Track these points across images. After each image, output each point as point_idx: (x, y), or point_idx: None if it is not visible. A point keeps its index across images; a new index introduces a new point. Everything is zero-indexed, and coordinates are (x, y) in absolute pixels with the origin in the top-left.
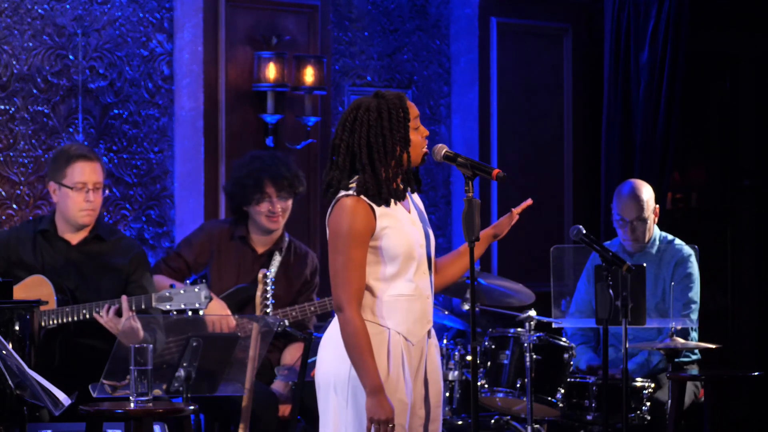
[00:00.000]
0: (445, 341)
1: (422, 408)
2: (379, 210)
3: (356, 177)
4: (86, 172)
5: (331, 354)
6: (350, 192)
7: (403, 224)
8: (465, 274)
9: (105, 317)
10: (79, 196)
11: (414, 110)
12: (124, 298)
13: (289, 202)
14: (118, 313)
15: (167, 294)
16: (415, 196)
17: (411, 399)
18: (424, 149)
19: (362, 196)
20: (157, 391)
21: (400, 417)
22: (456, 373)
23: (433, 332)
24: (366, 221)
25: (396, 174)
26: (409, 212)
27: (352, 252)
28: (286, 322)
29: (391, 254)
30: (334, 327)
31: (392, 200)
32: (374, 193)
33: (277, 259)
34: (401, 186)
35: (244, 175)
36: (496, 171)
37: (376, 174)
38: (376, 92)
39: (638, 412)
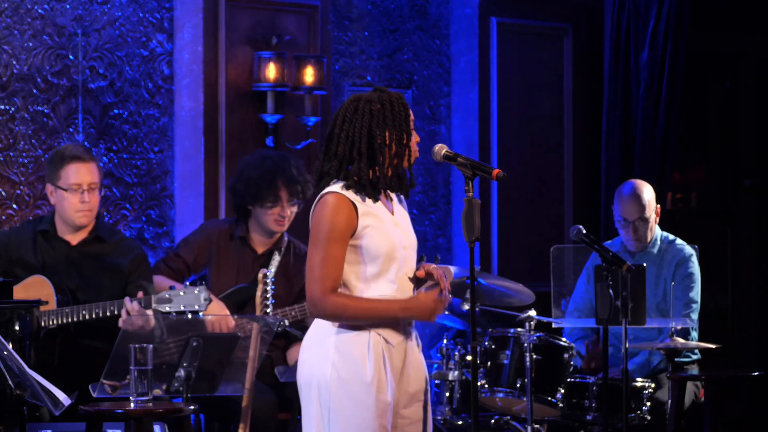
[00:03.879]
0: (445, 341)
1: (408, 408)
2: (362, 208)
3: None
4: (81, 173)
5: (313, 355)
6: (335, 188)
7: (385, 224)
8: (464, 274)
9: (132, 305)
10: (74, 198)
11: (411, 113)
12: (140, 295)
13: (296, 206)
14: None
15: (167, 296)
16: (401, 198)
17: (394, 399)
18: (416, 154)
19: (350, 191)
20: (157, 391)
21: (382, 417)
22: (456, 373)
23: (415, 333)
24: (348, 219)
25: (392, 166)
26: (393, 214)
27: (331, 248)
28: (286, 322)
29: (372, 254)
30: (314, 329)
31: (377, 199)
32: (367, 183)
33: (276, 259)
34: (394, 181)
35: (259, 175)
36: (496, 171)
37: (374, 163)
38: (376, 87)
39: (638, 412)
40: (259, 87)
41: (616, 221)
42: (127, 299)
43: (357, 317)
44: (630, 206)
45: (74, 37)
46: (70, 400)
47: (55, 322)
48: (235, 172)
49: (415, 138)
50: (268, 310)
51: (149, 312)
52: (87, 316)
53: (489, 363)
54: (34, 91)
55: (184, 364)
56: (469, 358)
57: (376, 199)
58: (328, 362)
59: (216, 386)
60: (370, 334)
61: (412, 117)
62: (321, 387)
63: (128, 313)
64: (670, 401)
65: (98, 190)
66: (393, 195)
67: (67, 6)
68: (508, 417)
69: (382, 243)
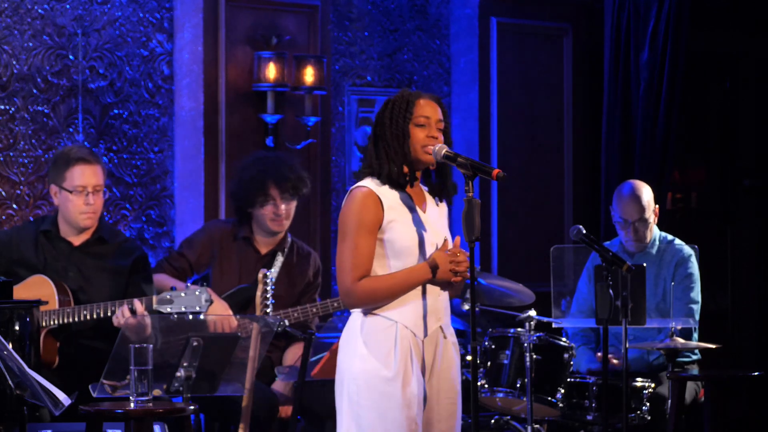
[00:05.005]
0: None
1: (439, 404)
2: (388, 202)
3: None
4: (86, 176)
5: (345, 353)
6: (364, 183)
7: (411, 219)
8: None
9: (124, 315)
10: (79, 200)
11: (423, 110)
12: (136, 301)
13: (293, 204)
14: (133, 313)
15: (168, 296)
16: (442, 204)
17: (422, 394)
18: (427, 148)
19: (375, 184)
20: (157, 391)
21: (409, 410)
22: None
23: (451, 331)
24: (374, 212)
25: (397, 160)
26: (425, 212)
27: (358, 240)
28: (287, 322)
29: (396, 248)
30: (346, 329)
31: (404, 194)
32: (385, 177)
33: (279, 259)
34: (404, 175)
35: (248, 177)
36: (496, 171)
37: (379, 157)
38: (404, 89)
39: (638, 412)
40: (259, 87)
41: (615, 222)
42: (125, 307)
43: (390, 294)
44: (630, 207)
45: (74, 37)
46: (70, 400)
47: (56, 322)
48: (232, 177)
49: (430, 132)
50: (268, 311)
51: (147, 321)
52: (88, 317)
53: (489, 363)
54: (34, 91)
55: (184, 364)
56: (469, 358)
57: (402, 194)
58: (357, 357)
59: (216, 386)
60: (398, 327)
61: (425, 113)
62: (350, 382)
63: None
64: (670, 401)
65: (102, 192)
66: (428, 196)
67: (67, 6)
68: (508, 417)
69: (406, 237)
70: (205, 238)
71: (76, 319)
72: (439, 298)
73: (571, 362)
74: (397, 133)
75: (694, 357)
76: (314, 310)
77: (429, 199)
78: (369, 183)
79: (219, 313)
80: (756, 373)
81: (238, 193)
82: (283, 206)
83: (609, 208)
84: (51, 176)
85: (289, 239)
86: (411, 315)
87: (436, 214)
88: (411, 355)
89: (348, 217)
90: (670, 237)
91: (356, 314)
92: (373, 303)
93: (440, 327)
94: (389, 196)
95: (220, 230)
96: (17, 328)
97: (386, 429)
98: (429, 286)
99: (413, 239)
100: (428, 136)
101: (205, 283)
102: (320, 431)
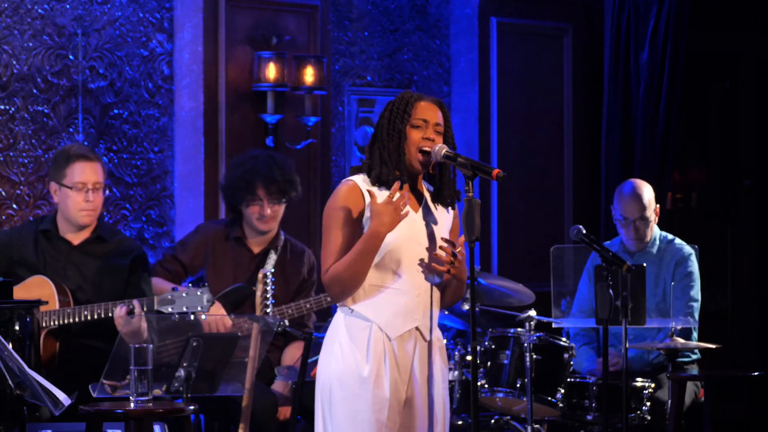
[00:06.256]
0: (445, 341)
1: (421, 408)
2: (371, 198)
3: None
4: (86, 172)
5: (324, 353)
6: (353, 177)
7: None
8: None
9: (121, 317)
10: (78, 196)
11: (423, 113)
12: (135, 302)
13: (281, 207)
14: (129, 314)
15: (169, 297)
16: (452, 211)
17: (398, 396)
18: (421, 151)
19: (365, 182)
20: (157, 391)
21: (380, 413)
22: (456, 373)
23: (437, 334)
24: (354, 204)
25: (390, 163)
26: (416, 211)
27: (336, 232)
28: (286, 322)
29: None
30: (329, 329)
31: (386, 184)
32: (375, 177)
33: (272, 257)
34: (396, 178)
35: (238, 175)
36: (496, 171)
37: (372, 157)
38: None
39: (638, 412)
40: (259, 87)
41: (615, 220)
42: (121, 308)
43: (353, 271)
44: (631, 205)
45: (74, 37)
46: (70, 400)
47: (56, 322)
48: (224, 174)
49: (427, 134)
50: (268, 310)
51: (143, 325)
52: (89, 317)
53: (489, 363)
54: (34, 91)
55: (184, 364)
56: (469, 358)
57: (381, 184)
58: (332, 357)
59: (216, 386)
60: (372, 329)
61: (424, 116)
62: (325, 381)
63: (128, 313)
64: (670, 401)
65: (102, 190)
66: (429, 201)
67: (67, 6)
68: (508, 417)
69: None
70: (198, 240)
71: (77, 319)
72: (419, 300)
73: (571, 362)
74: (393, 133)
75: (694, 357)
76: (308, 305)
77: (430, 203)
78: (357, 178)
79: (213, 313)
80: (756, 373)
81: (227, 190)
82: (269, 207)
83: (610, 207)
84: (51, 173)
85: (282, 237)
86: (382, 312)
87: (434, 215)
88: (385, 357)
89: (328, 210)
90: (670, 236)
91: (338, 313)
92: (344, 286)
93: (416, 328)
94: (375, 193)
95: (213, 231)
96: (17, 328)
97: (354, 430)
98: (407, 285)
99: (394, 238)
100: (424, 138)
101: (206, 284)
102: None
